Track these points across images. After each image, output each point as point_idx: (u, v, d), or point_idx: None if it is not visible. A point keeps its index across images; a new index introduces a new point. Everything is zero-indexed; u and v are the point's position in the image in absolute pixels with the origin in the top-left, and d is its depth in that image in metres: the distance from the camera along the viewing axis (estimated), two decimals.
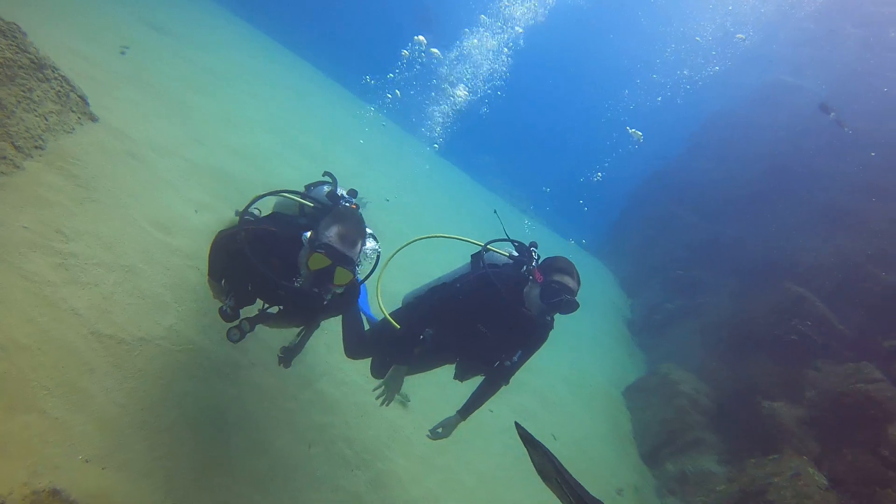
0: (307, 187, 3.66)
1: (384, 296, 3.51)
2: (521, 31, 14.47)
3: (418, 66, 14.08)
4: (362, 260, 3.15)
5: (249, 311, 3.36)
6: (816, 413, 7.03)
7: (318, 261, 2.83)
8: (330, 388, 4.65)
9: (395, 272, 3.70)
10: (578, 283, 3.24)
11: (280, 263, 3.02)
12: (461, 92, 13.58)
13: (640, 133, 15.75)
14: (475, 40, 14.01)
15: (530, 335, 3.41)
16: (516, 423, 2.24)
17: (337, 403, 4.59)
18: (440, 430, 3.58)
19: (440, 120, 13.96)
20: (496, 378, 3.54)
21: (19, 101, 4.12)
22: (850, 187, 11.27)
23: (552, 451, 2.09)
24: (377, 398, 3.61)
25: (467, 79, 14.03)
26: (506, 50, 14.21)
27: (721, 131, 16.46)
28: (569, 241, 17.58)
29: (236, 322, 3.21)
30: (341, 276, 2.88)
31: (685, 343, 10.20)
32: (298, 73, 14.24)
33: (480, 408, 3.64)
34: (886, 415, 6.51)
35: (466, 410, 3.58)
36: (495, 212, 4.12)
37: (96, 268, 3.61)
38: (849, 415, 6.76)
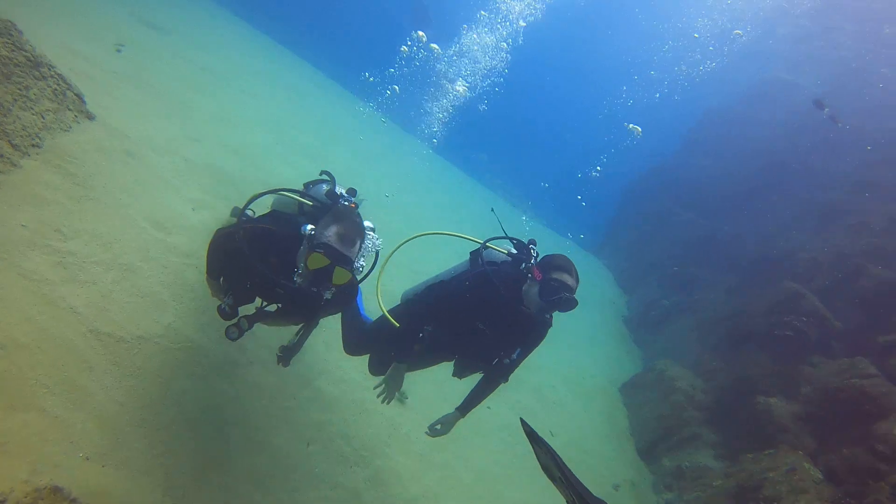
0: (306, 185, 3.67)
1: (383, 294, 3.52)
2: (524, 25, 14.41)
3: (417, 63, 14.05)
4: (361, 259, 3.15)
5: (248, 309, 3.36)
6: (812, 408, 7.07)
7: (317, 260, 2.83)
8: (328, 385, 4.67)
9: (393, 270, 3.72)
10: (577, 280, 3.25)
11: (278, 262, 3.01)
12: (460, 87, 13.55)
13: (638, 128, 15.76)
14: (474, 35, 13.97)
15: (529, 333, 3.42)
16: (521, 420, 2.25)
17: (335, 401, 4.61)
18: (439, 426, 3.58)
19: (439, 116, 13.94)
20: (495, 375, 3.55)
21: (16, 100, 4.11)
22: (846, 184, 11.33)
23: (554, 449, 2.10)
24: (378, 395, 3.63)
25: (466, 74, 14.00)
26: (504, 46, 14.18)
27: (718, 128, 16.50)
28: (566, 238, 17.61)
29: (235, 320, 3.21)
30: (340, 276, 2.88)
31: (681, 339, 10.25)
32: (297, 72, 14.21)
33: (479, 405, 3.66)
34: (881, 410, 6.56)
35: (465, 407, 3.60)
36: (492, 210, 4.13)
37: (94, 266, 3.62)
38: (843, 410, 6.81)
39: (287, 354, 3.56)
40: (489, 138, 23.56)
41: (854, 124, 12.29)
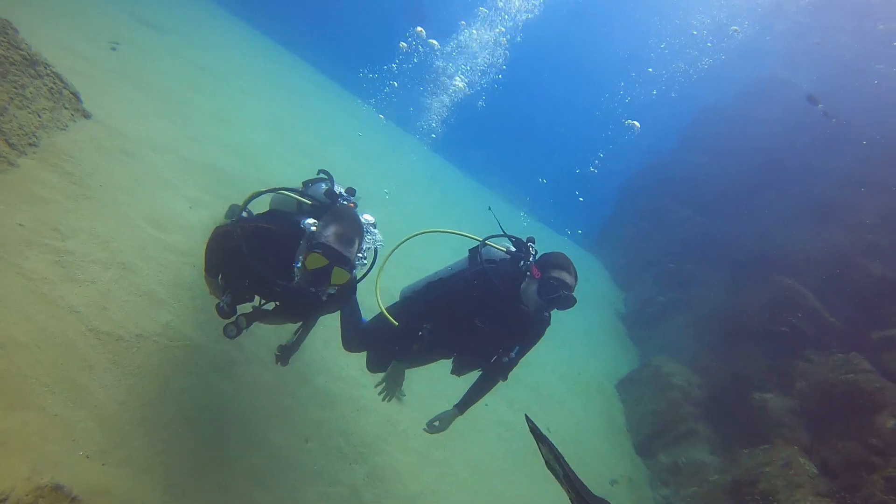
0: (305, 184, 3.66)
1: (381, 292, 3.53)
2: (529, 17, 14.38)
3: (416, 59, 14.03)
4: (360, 257, 3.15)
5: (247, 307, 3.37)
6: (807, 404, 7.13)
7: (316, 261, 2.82)
8: (327, 383, 4.69)
9: (391, 268, 3.73)
10: (576, 278, 3.24)
11: (276, 261, 3.01)
12: (459, 82, 13.53)
13: (637, 123, 15.78)
14: (474, 31, 13.94)
15: (527, 331, 3.42)
16: (526, 417, 2.27)
17: (334, 398, 4.62)
18: (437, 423, 3.59)
19: (437, 111, 13.92)
20: (493, 373, 3.55)
21: (12, 98, 4.11)
22: (842, 181, 11.37)
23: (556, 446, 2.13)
24: (379, 393, 3.65)
25: (464, 69, 13.98)
26: (504, 41, 14.15)
27: (715, 125, 16.51)
28: (563, 235, 17.65)
29: (233, 318, 3.22)
30: (338, 276, 2.88)
31: (678, 336, 10.30)
32: (296, 72, 14.20)
33: (477, 402, 3.68)
34: (875, 404, 6.61)
35: (464, 405, 3.61)
36: (489, 208, 4.14)
37: (93, 265, 3.62)
38: (838, 405, 6.86)
39: (285, 354, 3.56)
40: (487, 135, 23.60)
41: (850, 121, 12.34)
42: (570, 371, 8.57)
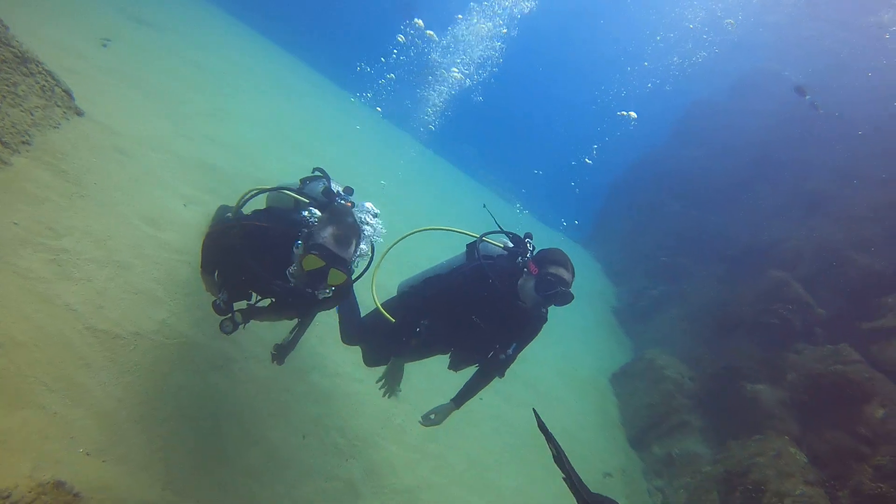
0: (303, 181, 3.65)
1: (378, 288, 3.55)
2: (533, 5, 14.32)
3: (412, 52, 14.01)
4: (358, 258, 3.14)
5: (243, 304, 3.39)
6: (797, 395, 7.23)
7: (312, 262, 2.81)
8: (323, 379, 4.72)
9: (387, 264, 3.75)
10: (573, 274, 3.24)
11: (273, 260, 3.00)
12: (456, 73, 13.52)
13: (633, 113, 15.84)
14: (474, 19, 13.89)
15: (524, 327, 3.42)
16: (534, 410, 2.32)
17: (330, 394, 4.66)
18: (433, 416, 3.61)
19: (434, 103, 13.90)
20: (490, 369, 3.57)
21: (4, 96, 4.09)
22: (832, 174, 11.49)
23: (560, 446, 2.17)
24: (379, 389, 3.67)
25: (460, 61, 13.96)
26: (504, 31, 14.11)
27: (707, 118, 16.60)
28: (557, 230, 17.70)
29: (229, 314, 3.22)
30: (335, 277, 2.87)
31: (670, 329, 10.40)
32: (292, 70, 14.15)
33: (473, 397, 3.71)
34: (863, 395, 6.73)
35: (460, 399, 3.63)
36: (484, 206, 4.16)
37: (88, 263, 3.63)
38: (828, 395, 6.97)
39: (281, 353, 3.56)
40: (481, 130, 23.60)
41: (843, 114, 12.44)
42: (565, 366, 8.64)
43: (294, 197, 3.32)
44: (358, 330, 3.82)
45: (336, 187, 3.35)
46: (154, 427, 3.14)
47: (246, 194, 3.49)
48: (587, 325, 10.74)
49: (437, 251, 4.67)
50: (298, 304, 3.27)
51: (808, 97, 12.06)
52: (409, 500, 4.46)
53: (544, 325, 3.48)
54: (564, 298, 3.17)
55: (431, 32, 13.84)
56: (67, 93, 4.81)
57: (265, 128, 8.40)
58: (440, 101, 13.87)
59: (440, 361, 3.75)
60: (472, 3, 14.20)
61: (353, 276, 3.31)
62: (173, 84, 7.34)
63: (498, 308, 3.26)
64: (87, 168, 4.34)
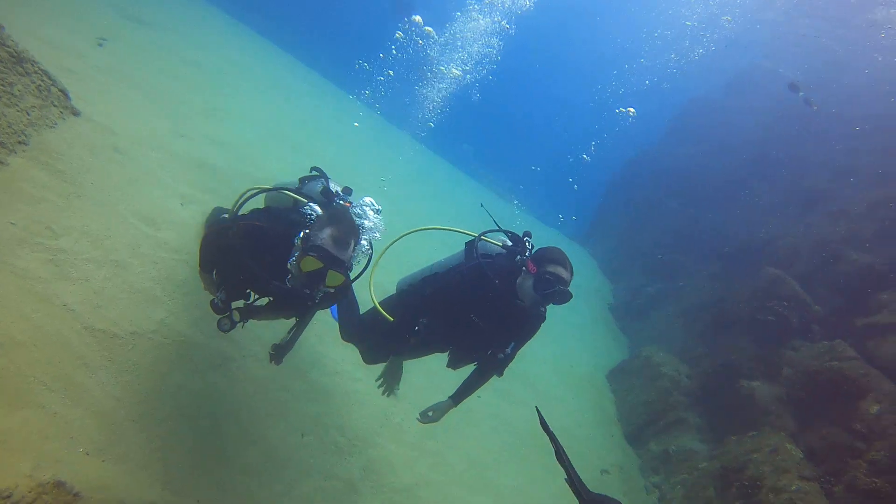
0: (302, 180, 3.64)
1: (375, 287, 3.55)
2: (530, 4, 14.31)
3: (411, 50, 13.98)
4: (356, 258, 3.14)
5: (241, 302, 3.39)
6: (793, 391, 7.27)
7: (310, 263, 2.81)
8: (321, 377, 4.73)
9: (385, 263, 3.76)
10: (572, 273, 3.23)
11: (271, 260, 3.00)
12: (455, 70, 13.50)
13: (632, 109, 15.88)
14: (473, 13, 13.86)
15: (523, 326, 3.42)
16: (537, 409, 2.33)
17: (328, 392, 4.67)
18: (431, 413, 3.62)
19: (433, 100, 13.87)
20: (488, 367, 3.57)
21: (0, 96, 4.08)
22: (827, 171, 11.54)
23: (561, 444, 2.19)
24: (378, 387, 3.68)
25: (459, 57, 13.93)
26: (504, 25, 14.07)
27: (704, 116, 16.63)
28: (553, 227, 17.73)
29: (227, 313, 3.22)
30: (333, 279, 2.87)
31: (667, 326, 10.44)
32: (289, 70, 14.11)
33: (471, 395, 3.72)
34: (859, 391, 6.77)
35: (459, 397, 3.63)
36: (482, 205, 4.16)
37: (86, 263, 3.63)
38: (823, 392, 7.01)
39: (280, 352, 3.56)
40: (479, 128, 23.61)
41: (838, 111, 12.49)
42: (562, 363, 8.67)
43: (293, 197, 3.32)
44: (357, 328, 3.83)
45: (335, 187, 3.35)
46: (153, 426, 3.15)
47: (244, 194, 3.49)
48: (584, 322, 10.78)
49: (437, 250, 4.69)
50: (296, 303, 3.27)
51: (801, 93, 12.12)
52: (407, 498, 4.48)
53: (542, 324, 3.49)
54: (563, 297, 3.17)
55: (430, 29, 13.82)
56: (63, 92, 4.80)
57: (263, 127, 8.39)
58: (439, 98, 13.85)
59: (439, 360, 3.76)
60: (470, 1, 14.18)
61: (353, 275, 3.31)
62: (171, 83, 7.33)
63: (496, 307, 3.26)
64: (84, 168, 4.33)
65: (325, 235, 2.85)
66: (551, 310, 3.31)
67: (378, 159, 11.54)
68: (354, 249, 3.00)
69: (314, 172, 3.65)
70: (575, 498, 2.16)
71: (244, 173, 6.29)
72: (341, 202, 3.20)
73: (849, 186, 10.75)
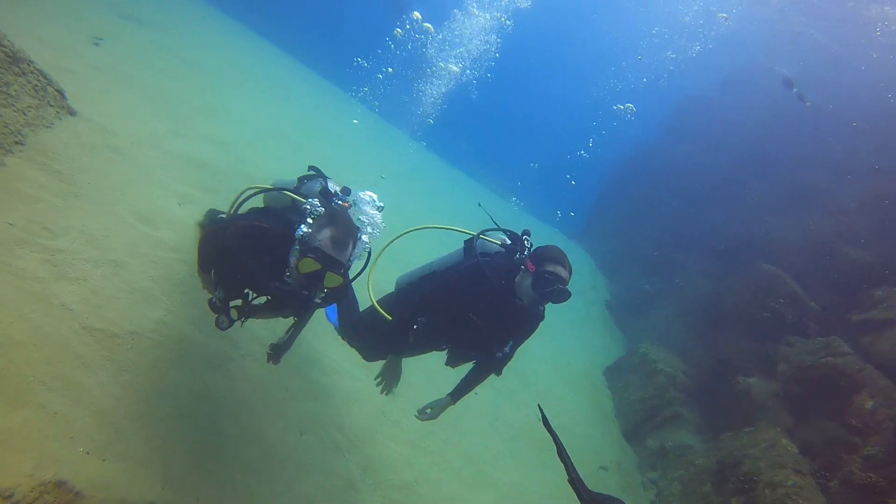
0: (300, 180, 3.64)
1: (373, 285, 3.56)
2: (528, 2, 14.30)
3: (410, 46, 13.95)
4: (356, 257, 3.14)
5: (239, 301, 3.40)
6: (789, 387, 7.33)
7: (308, 265, 2.81)
8: (320, 376, 4.75)
9: (383, 262, 3.77)
10: (570, 272, 3.24)
11: (270, 260, 2.99)
12: (453, 68, 13.48)
13: (631, 106, 15.90)
14: (473, 8, 13.83)
15: (521, 325, 3.43)
16: (539, 406, 2.35)
17: (327, 391, 4.69)
18: (429, 410, 3.62)
19: (431, 96, 13.86)
20: (487, 365, 3.59)
21: None
22: (824, 169, 11.59)
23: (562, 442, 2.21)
24: (377, 386, 3.69)
25: (457, 53, 13.91)
26: (507, 22, 14.05)
27: (701, 114, 16.65)
28: (550, 224, 17.75)
29: (226, 311, 3.22)
30: (331, 280, 2.87)
31: (663, 323, 10.48)
32: (287, 69, 14.11)
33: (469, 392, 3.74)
34: (854, 386, 6.83)
35: (457, 394, 3.64)
36: (479, 204, 4.17)
37: (84, 263, 3.63)
38: (819, 387, 7.07)
39: (277, 352, 3.56)
40: (477, 125, 23.61)
41: (834, 108, 12.54)
42: (560, 360, 8.71)
43: (291, 196, 3.32)
44: (356, 326, 3.83)
45: (333, 187, 3.34)
46: (153, 425, 3.16)
47: (242, 194, 3.49)
48: (581, 319, 10.81)
49: (436, 248, 4.70)
50: (295, 303, 3.28)
51: (794, 90, 12.16)
52: (406, 495, 4.50)
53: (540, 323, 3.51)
54: (561, 296, 3.17)
55: (429, 25, 13.79)
56: (60, 92, 4.80)
57: (262, 126, 8.38)
58: (437, 95, 13.84)
59: (437, 358, 3.77)
60: None
61: (353, 273, 3.32)
62: (169, 83, 7.31)
63: (495, 305, 3.26)
64: (82, 167, 4.33)
65: (324, 237, 2.86)
66: (548, 307, 3.32)
67: (377, 158, 11.55)
68: (353, 250, 3.00)
69: (311, 171, 3.65)
70: (575, 496, 2.18)
71: (242, 173, 6.29)
72: (340, 202, 3.20)
73: (845, 184, 10.81)
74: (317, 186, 3.35)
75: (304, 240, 2.89)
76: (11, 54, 4.29)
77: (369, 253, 3.44)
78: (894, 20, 14.63)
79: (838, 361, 7.10)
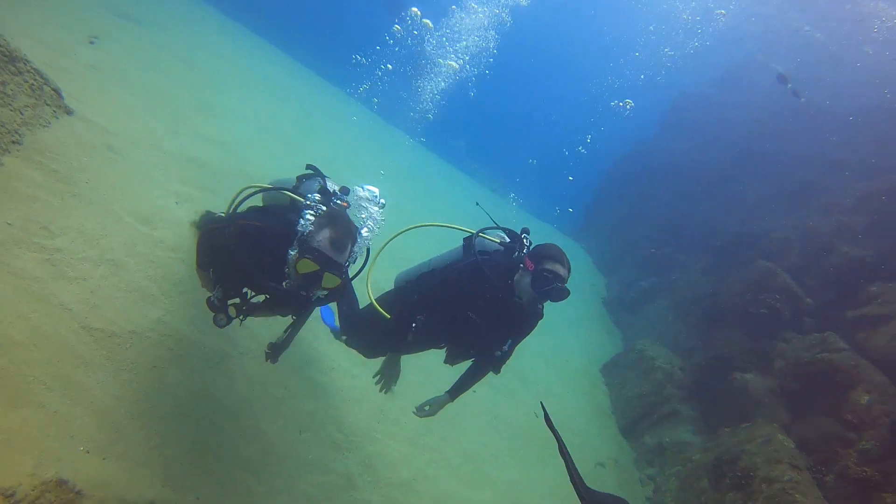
0: (299, 179, 3.64)
1: (372, 283, 3.56)
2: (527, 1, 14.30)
3: (409, 42, 13.91)
4: (355, 256, 3.14)
5: (237, 299, 3.40)
6: (785, 382, 7.36)
7: (307, 266, 2.81)
8: (318, 374, 4.76)
9: (383, 262, 3.78)
10: (569, 270, 3.24)
11: (268, 260, 2.99)
12: (452, 63, 13.44)
13: (630, 101, 15.92)
14: (472, 3, 13.79)
15: (520, 323, 3.43)
16: (542, 405, 2.37)
17: (325, 389, 4.70)
18: (427, 407, 3.64)
19: (430, 93, 13.81)
20: (485, 362, 3.59)
21: None
22: (819, 165, 11.63)
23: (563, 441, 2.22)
24: (376, 384, 3.70)
25: (457, 48, 13.86)
26: (505, 16, 14.01)
27: (698, 110, 16.68)
28: (547, 222, 17.76)
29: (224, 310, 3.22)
30: (329, 281, 2.87)
31: (660, 319, 10.52)
32: (285, 68, 14.05)
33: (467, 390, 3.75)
34: (850, 381, 6.86)
35: (455, 392, 3.65)
36: (477, 203, 4.17)
37: (83, 262, 3.64)
38: (815, 383, 7.11)
39: (275, 351, 3.57)
40: (475, 122, 23.60)
41: (830, 105, 12.57)
42: (557, 357, 8.73)
43: (290, 195, 3.32)
44: (355, 324, 3.84)
45: (332, 186, 3.34)
46: (152, 424, 3.18)
47: (240, 193, 3.49)
48: (578, 316, 10.84)
49: (435, 246, 4.71)
50: (293, 303, 3.28)
51: (789, 85, 12.19)
52: (405, 493, 4.53)
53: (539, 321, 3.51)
54: (560, 294, 3.17)
55: (428, 21, 13.74)
56: (56, 91, 4.79)
57: (259, 125, 8.37)
58: (436, 91, 13.80)
59: (435, 356, 3.79)
60: None
61: (352, 271, 3.32)
62: (166, 82, 7.30)
63: (494, 304, 3.26)
64: (78, 167, 4.33)
65: (322, 238, 2.85)
66: (546, 304, 3.32)
67: (375, 157, 11.54)
68: (352, 250, 3.00)
69: (309, 170, 3.65)
70: (575, 495, 2.20)
71: (240, 171, 6.29)
72: (338, 202, 3.20)
73: (841, 179, 10.84)
74: (315, 185, 3.34)
75: (303, 240, 2.89)
76: (7, 53, 4.28)
77: (368, 251, 3.43)
78: (891, 16, 14.67)
79: (834, 357, 7.13)
